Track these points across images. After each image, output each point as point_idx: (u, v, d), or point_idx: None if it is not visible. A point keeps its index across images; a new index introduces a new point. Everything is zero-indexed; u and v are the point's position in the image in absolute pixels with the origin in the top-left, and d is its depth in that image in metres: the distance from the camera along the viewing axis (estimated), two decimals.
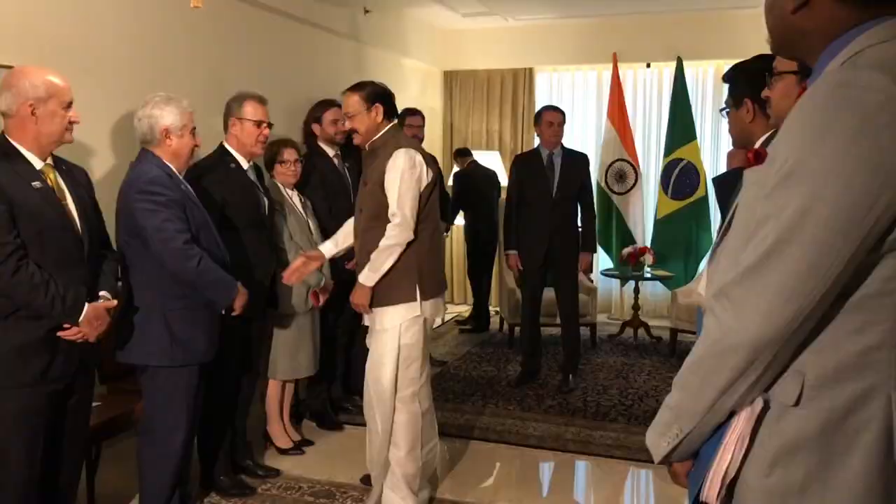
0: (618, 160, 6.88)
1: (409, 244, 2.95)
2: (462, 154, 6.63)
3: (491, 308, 6.80)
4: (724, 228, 1.31)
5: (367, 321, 3.13)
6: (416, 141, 3.09)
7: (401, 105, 5.62)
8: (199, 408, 2.92)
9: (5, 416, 2.33)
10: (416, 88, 7.10)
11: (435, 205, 3.07)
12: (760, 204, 1.09)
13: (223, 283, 2.77)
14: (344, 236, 3.24)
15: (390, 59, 6.54)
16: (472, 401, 4.68)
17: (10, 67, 3.11)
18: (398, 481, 3.06)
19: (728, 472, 1.15)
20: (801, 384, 1.10)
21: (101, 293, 2.48)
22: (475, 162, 6.57)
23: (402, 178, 2.91)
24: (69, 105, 2.43)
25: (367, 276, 2.96)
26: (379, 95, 3.02)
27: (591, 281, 6.07)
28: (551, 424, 4.26)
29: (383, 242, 2.93)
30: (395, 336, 2.99)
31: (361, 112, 3.01)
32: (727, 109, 2.08)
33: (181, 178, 2.84)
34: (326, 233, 3.75)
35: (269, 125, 3.34)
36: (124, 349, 2.75)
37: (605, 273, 6.48)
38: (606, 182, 6.85)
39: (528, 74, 7.39)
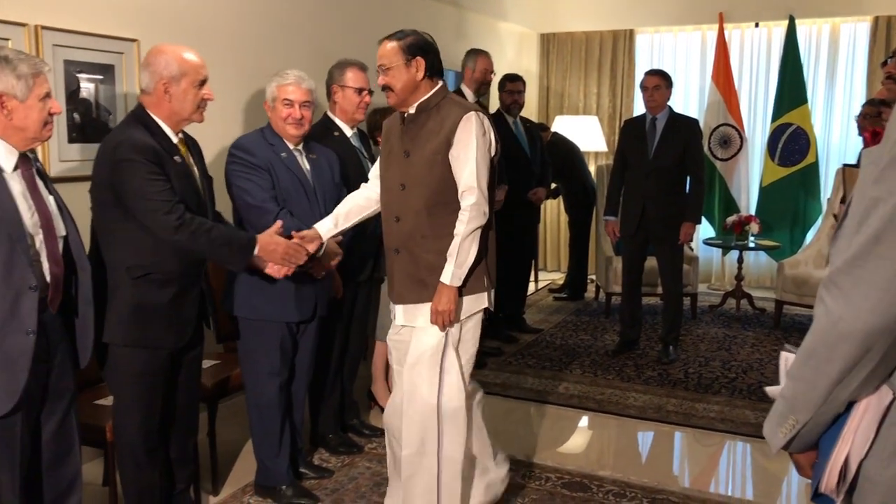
0: (722, 125, 6.64)
1: None
2: (541, 129, 6.51)
3: (588, 276, 6.73)
4: (846, 208, 1.26)
5: (399, 317, 2.60)
6: (474, 102, 2.56)
7: (498, 70, 5.63)
8: (308, 366, 3.03)
9: (124, 373, 2.47)
10: (512, 52, 7.02)
11: (494, 180, 2.62)
12: (872, 186, 1.04)
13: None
14: (345, 216, 2.74)
15: (487, 24, 6.48)
16: (570, 369, 4.67)
17: (134, 41, 3.27)
18: None
19: (848, 463, 1.12)
20: None
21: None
22: (555, 133, 6.48)
23: (476, 147, 2.45)
24: (202, 83, 2.47)
25: (454, 274, 2.44)
26: (421, 47, 2.51)
27: (692, 250, 5.92)
28: (652, 395, 4.22)
29: (462, 228, 2.44)
30: (452, 329, 2.51)
31: (398, 65, 2.49)
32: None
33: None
34: None
35: (370, 92, 3.37)
36: (226, 300, 2.92)
37: (708, 242, 6.30)
38: (710, 148, 6.62)
39: (629, 36, 7.18)
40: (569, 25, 7.40)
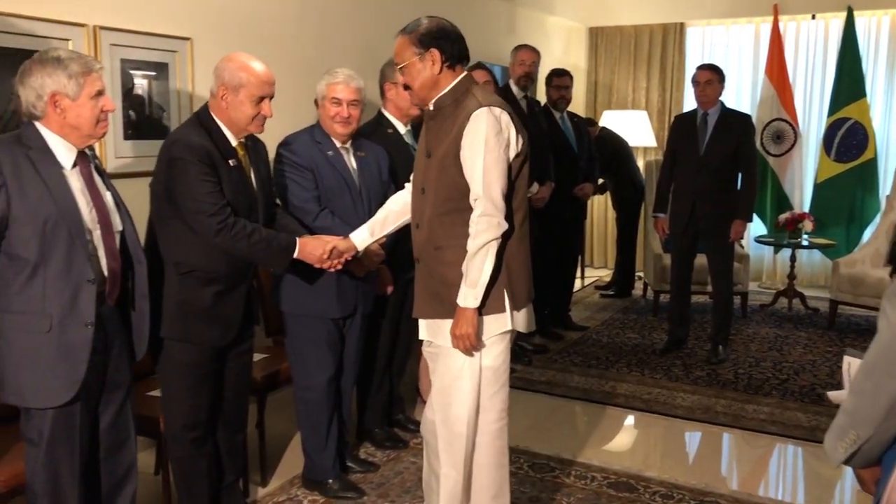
0: (775, 120, 6.49)
1: None
2: (589, 124, 6.44)
3: (635, 273, 6.65)
4: None
5: (425, 333, 2.39)
6: (495, 95, 2.39)
7: (546, 65, 5.60)
8: (353, 361, 3.06)
9: (171, 364, 2.52)
10: (561, 47, 6.97)
11: (525, 182, 2.33)
12: None
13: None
14: (382, 223, 2.60)
15: (536, 18, 6.44)
16: (617, 368, 4.63)
17: (187, 39, 3.34)
18: None
19: None
20: None
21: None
22: (603, 128, 6.40)
23: (486, 149, 2.16)
24: (261, 99, 2.44)
25: (468, 295, 2.19)
26: (434, 36, 2.23)
27: (743, 247, 5.80)
28: (701, 396, 4.15)
29: (471, 244, 2.18)
30: (476, 354, 2.28)
31: (412, 61, 2.25)
32: None
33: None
34: None
35: None
36: (274, 295, 2.96)
37: (759, 240, 6.16)
38: (762, 143, 6.47)
39: (679, 29, 7.06)
40: (618, 19, 7.31)
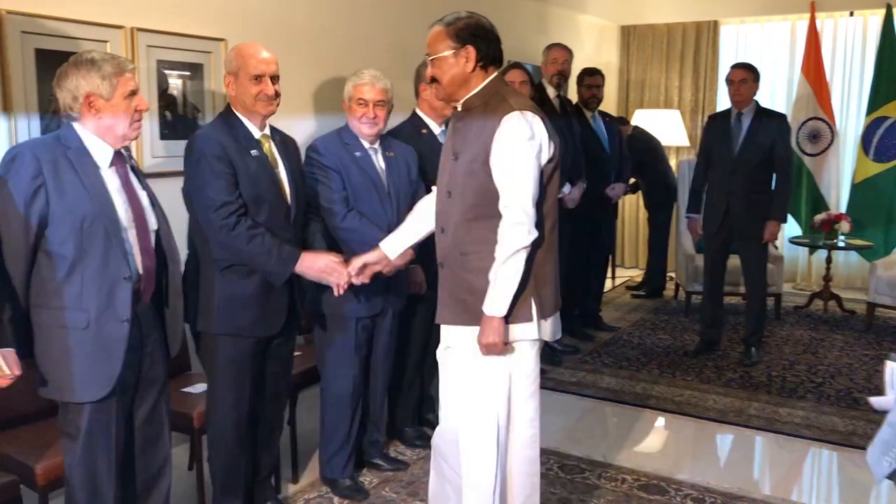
0: (811, 119, 6.38)
1: None
2: (621, 123, 6.37)
3: (667, 274, 6.58)
4: None
5: (447, 339, 2.31)
6: (528, 99, 2.34)
7: (578, 64, 5.56)
8: (384, 360, 3.08)
9: (217, 360, 2.58)
10: (592, 45, 6.92)
11: (555, 189, 2.27)
12: None
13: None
14: (414, 230, 2.52)
15: (568, 17, 6.41)
16: (648, 369, 4.59)
17: (221, 40, 3.38)
18: None
19: None
20: None
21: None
22: (636, 127, 6.35)
23: (518, 154, 2.10)
24: (258, 77, 2.49)
25: (494, 304, 2.13)
26: (473, 32, 2.17)
27: (777, 248, 5.72)
28: (733, 398, 4.10)
29: (499, 252, 2.12)
30: (503, 363, 2.22)
31: (446, 54, 2.18)
32: None
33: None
34: None
35: None
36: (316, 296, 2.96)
37: (794, 241, 6.07)
38: (798, 142, 6.37)
39: (713, 27, 6.97)
40: (650, 17, 7.24)
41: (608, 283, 6.20)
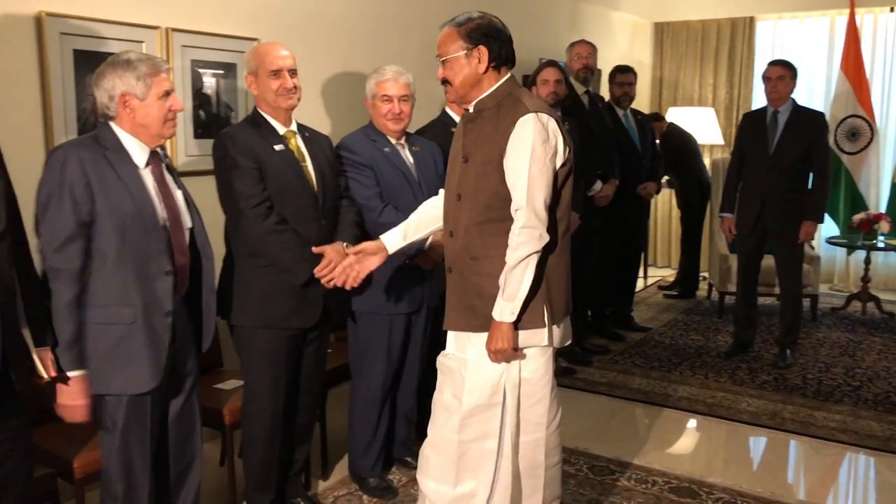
0: (850, 116, 6.25)
1: None
2: (657, 119, 6.30)
3: (699, 274, 6.50)
4: None
5: (453, 346, 2.30)
6: (540, 100, 2.27)
7: (610, 61, 5.52)
8: (418, 356, 3.07)
9: (254, 354, 2.61)
10: (625, 43, 6.86)
11: (569, 192, 2.23)
12: None
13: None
14: (416, 226, 2.47)
15: (600, 14, 6.36)
16: (680, 370, 4.54)
17: (254, 40, 3.41)
18: None
19: None
20: None
21: (339, 242, 2.61)
22: (671, 124, 6.26)
23: (532, 157, 2.06)
24: (275, 72, 2.55)
25: (505, 309, 2.10)
26: (486, 33, 2.14)
27: (813, 248, 5.62)
28: (767, 401, 4.03)
29: (510, 256, 2.08)
30: (511, 369, 2.19)
31: (457, 55, 2.16)
32: None
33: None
34: None
35: None
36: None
37: (831, 241, 5.95)
38: (836, 140, 6.24)
39: (749, 24, 6.86)
40: (684, 14, 7.15)
41: (640, 283, 6.14)
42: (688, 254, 6.35)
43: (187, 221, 2.26)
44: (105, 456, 2.19)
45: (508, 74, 2.21)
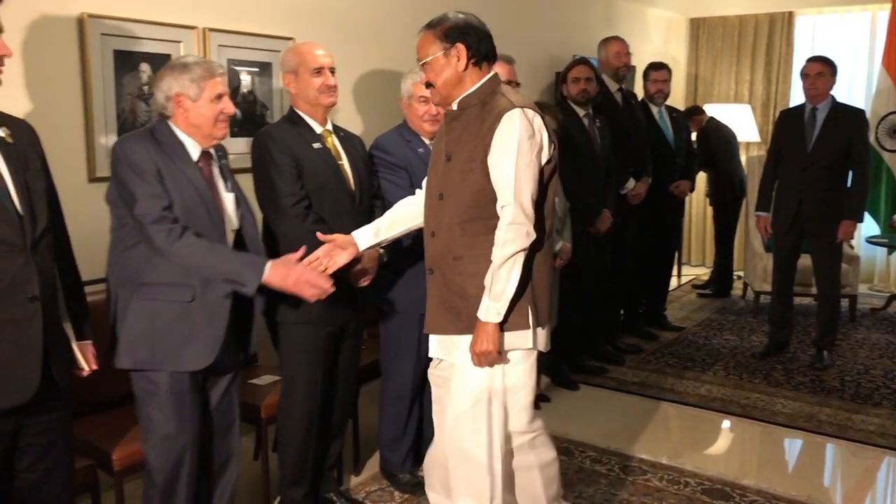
0: (892, 113, 6.09)
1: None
2: (696, 112, 6.21)
3: (734, 273, 6.42)
4: None
5: (436, 351, 2.28)
6: (527, 97, 2.29)
7: (644, 58, 5.47)
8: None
9: (292, 350, 2.65)
10: (660, 39, 6.79)
11: (554, 191, 2.19)
12: None
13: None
14: (389, 224, 2.40)
15: (635, 10, 6.30)
16: (714, 370, 4.49)
17: (289, 39, 3.44)
18: None
19: None
20: None
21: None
22: (711, 118, 6.17)
23: (518, 153, 2.02)
24: (318, 70, 2.59)
25: (489, 309, 2.05)
26: (461, 31, 2.12)
27: (853, 248, 5.51)
28: (803, 403, 3.97)
29: (497, 253, 2.04)
30: (495, 373, 2.13)
31: (435, 56, 2.13)
32: None
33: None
34: (573, 195, 3.74)
35: (518, 85, 3.36)
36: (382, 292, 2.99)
37: (871, 240, 5.83)
38: (877, 138, 6.11)
39: (787, 19, 6.75)
40: (721, 9, 7.06)
41: (673, 282, 6.08)
42: (722, 252, 6.27)
43: (234, 223, 2.30)
44: (149, 447, 2.23)
45: (492, 72, 2.19)
